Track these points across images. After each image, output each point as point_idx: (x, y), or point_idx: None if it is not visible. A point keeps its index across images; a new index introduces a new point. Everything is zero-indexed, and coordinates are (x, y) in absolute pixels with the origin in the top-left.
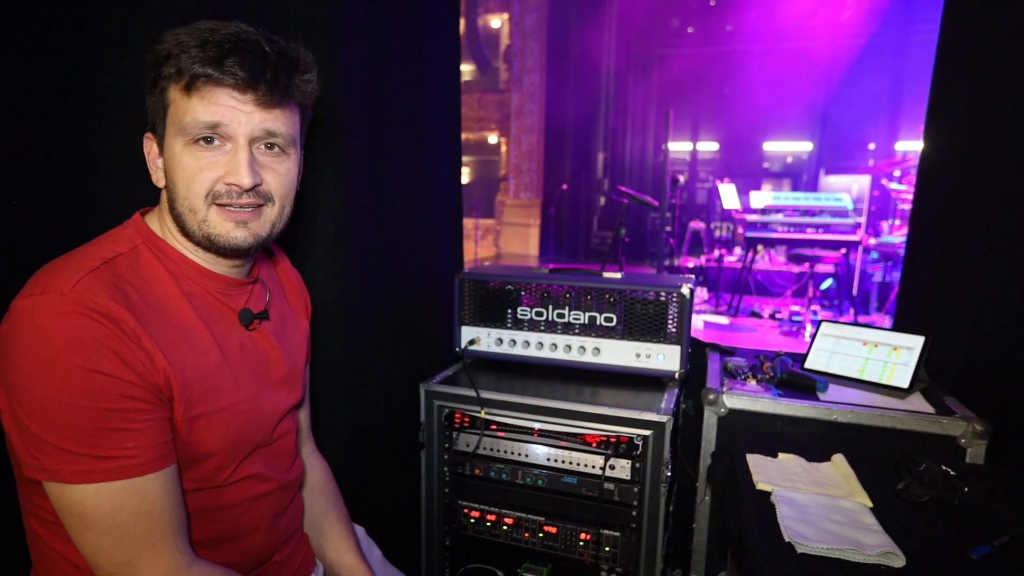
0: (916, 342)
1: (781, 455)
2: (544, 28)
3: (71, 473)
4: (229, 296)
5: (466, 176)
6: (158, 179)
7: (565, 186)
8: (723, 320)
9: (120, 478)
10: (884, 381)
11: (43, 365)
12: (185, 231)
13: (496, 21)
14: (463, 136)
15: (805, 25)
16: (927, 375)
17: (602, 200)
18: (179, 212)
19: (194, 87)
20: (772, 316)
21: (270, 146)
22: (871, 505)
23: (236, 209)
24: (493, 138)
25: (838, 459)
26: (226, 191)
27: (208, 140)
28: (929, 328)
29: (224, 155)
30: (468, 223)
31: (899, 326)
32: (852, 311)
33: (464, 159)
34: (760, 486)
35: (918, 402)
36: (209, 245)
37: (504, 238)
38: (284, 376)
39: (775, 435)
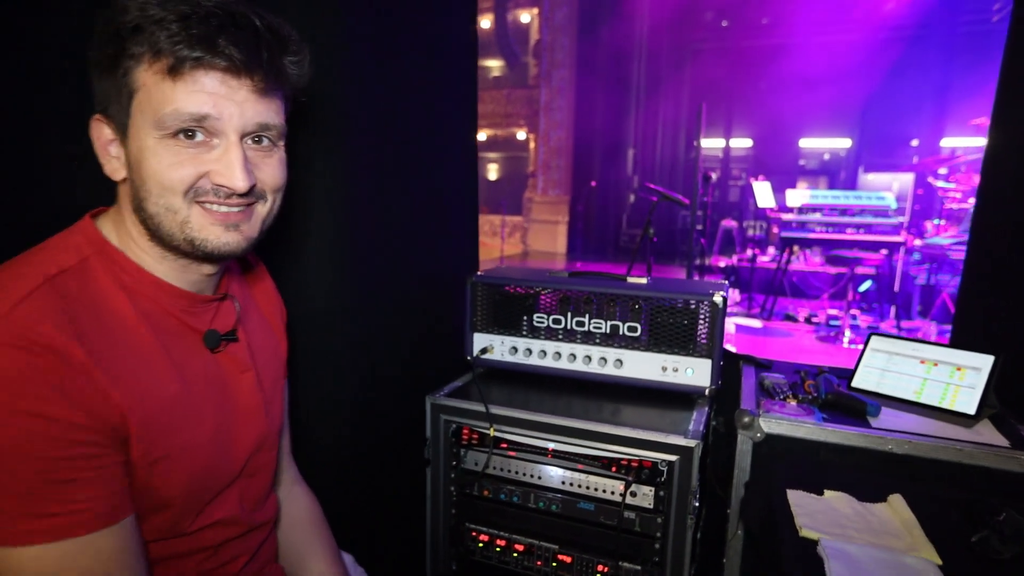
0: (984, 362)
1: (828, 492)
2: (574, 22)
3: (10, 534)
4: (193, 315)
5: (494, 172)
6: (113, 170)
7: (594, 183)
8: (756, 323)
9: (68, 536)
10: (946, 406)
11: None
12: (159, 234)
13: (526, 15)
14: (491, 132)
15: (845, 17)
16: (996, 400)
17: (632, 197)
18: (151, 212)
19: (179, 72)
20: (808, 320)
21: (258, 139)
22: (940, 563)
23: (225, 210)
24: (522, 134)
25: (896, 501)
26: (212, 189)
27: (190, 134)
28: (997, 345)
29: (210, 151)
30: (495, 220)
31: (958, 341)
32: (893, 315)
33: (492, 155)
34: (804, 532)
35: (987, 432)
36: (192, 250)
37: (532, 235)
38: (257, 403)
39: (819, 466)
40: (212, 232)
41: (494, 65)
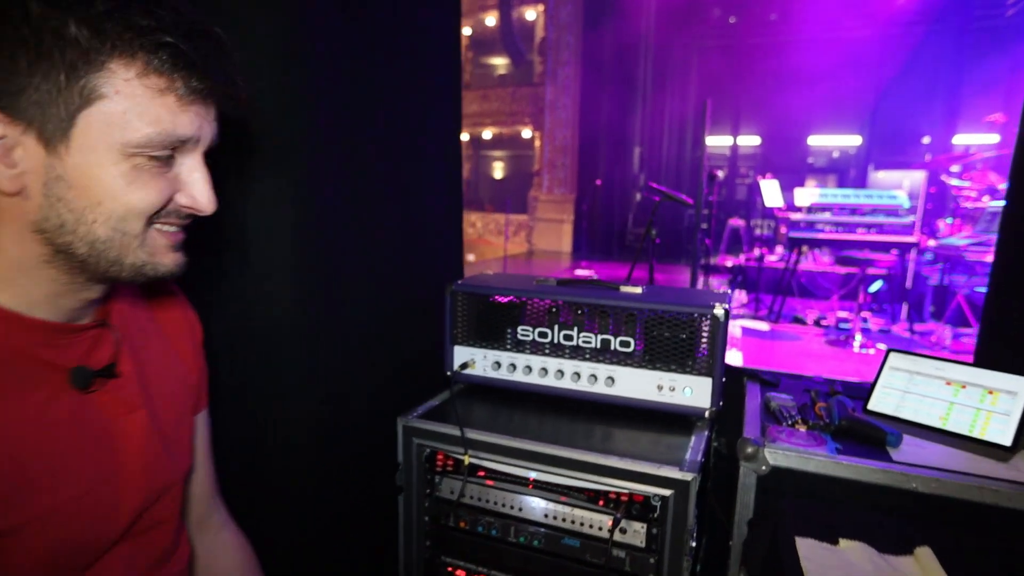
0: (1020, 384)
1: (843, 542)
2: (579, 20)
3: None
4: (56, 349)
5: (499, 171)
6: (6, 180)
7: (599, 181)
8: (763, 326)
9: None
10: (976, 435)
11: None
12: (96, 259)
13: (531, 13)
14: (496, 130)
15: (854, 13)
16: None
17: (637, 196)
18: (102, 236)
19: (181, 95)
20: (817, 323)
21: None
22: None
23: (176, 230)
24: (527, 132)
25: (924, 555)
26: (174, 210)
27: (166, 154)
28: None
29: (170, 168)
30: (500, 218)
31: (983, 359)
32: (905, 317)
33: (497, 153)
34: None
35: None
36: (132, 275)
37: (537, 234)
38: (152, 446)
39: (833, 506)
40: (168, 255)
41: (499, 63)
